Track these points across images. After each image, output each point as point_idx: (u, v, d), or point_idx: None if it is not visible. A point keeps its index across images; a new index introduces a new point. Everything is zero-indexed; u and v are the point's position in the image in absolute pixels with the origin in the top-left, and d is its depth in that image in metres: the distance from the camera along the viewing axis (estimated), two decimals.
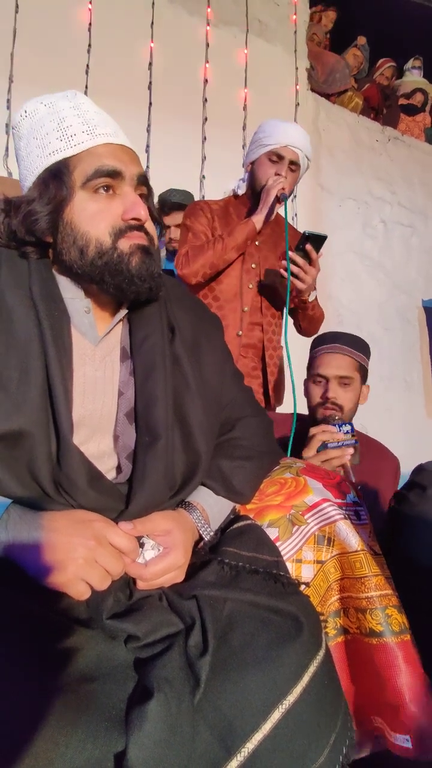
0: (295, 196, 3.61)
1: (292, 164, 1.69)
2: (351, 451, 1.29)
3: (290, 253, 1.57)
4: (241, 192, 1.85)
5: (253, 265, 1.76)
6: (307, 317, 1.80)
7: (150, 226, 0.80)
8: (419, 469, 1.21)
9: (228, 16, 3.55)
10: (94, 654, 0.61)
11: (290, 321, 1.96)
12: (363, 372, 1.55)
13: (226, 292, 1.73)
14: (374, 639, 0.81)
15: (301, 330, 1.88)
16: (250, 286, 1.75)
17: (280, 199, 1.66)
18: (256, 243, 1.77)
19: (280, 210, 1.77)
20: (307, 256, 1.59)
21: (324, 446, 1.29)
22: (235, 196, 1.87)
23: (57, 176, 0.75)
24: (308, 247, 1.57)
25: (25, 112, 0.80)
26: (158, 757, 0.53)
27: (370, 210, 4.11)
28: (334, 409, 1.46)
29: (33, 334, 0.72)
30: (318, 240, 1.59)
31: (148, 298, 0.80)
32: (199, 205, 1.78)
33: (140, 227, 0.77)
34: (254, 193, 1.77)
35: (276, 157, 1.68)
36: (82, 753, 0.51)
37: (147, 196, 0.82)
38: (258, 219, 1.67)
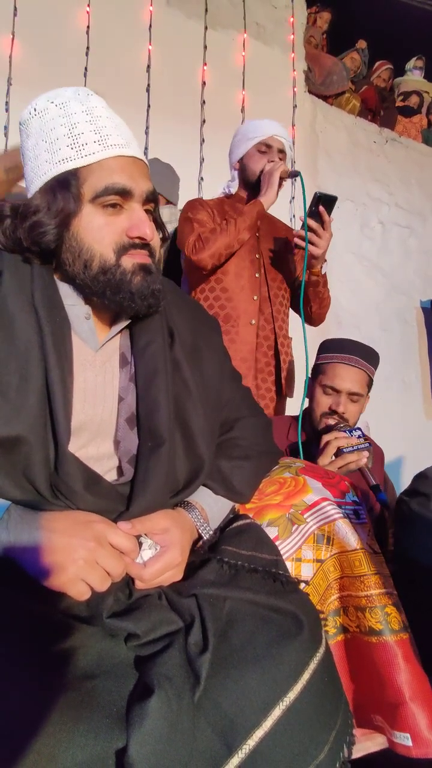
0: (293, 197, 3.61)
1: (280, 152, 1.77)
2: (366, 454, 1.30)
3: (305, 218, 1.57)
4: (233, 191, 1.89)
5: (257, 256, 1.79)
6: (318, 297, 1.80)
7: (155, 242, 0.80)
8: (421, 476, 1.22)
9: (225, 18, 3.56)
10: (95, 651, 0.61)
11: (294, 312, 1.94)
12: (370, 386, 1.55)
13: (234, 283, 1.76)
14: (374, 637, 0.82)
15: (311, 315, 1.88)
16: (257, 275, 1.78)
17: (293, 176, 1.70)
18: (257, 234, 1.80)
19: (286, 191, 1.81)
20: (319, 218, 1.60)
21: (340, 452, 1.30)
22: (227, 196, 1.90)
23: (66, 187, 0.74)
24: (321, 208, 1.59)
25: (35, 110, 0.78)
26: (159, 754, 0.53)
27: (367, 211, 4.12)
28: (339, 421, 1.46)
29: (33, 340, 0.72)
30: (329, 202, 1.59)
31: (146, 314, 0.81)
32: (198, 201, 1.83)
33: (144, 245, 0.78)
34: (248, 186, 1.82)
35: (265, 147, 1.76)
36: (83, 749, 0.51)
37: (153, 211, 0.82)
38: (266, 199, 1.71)
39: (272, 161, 1.74)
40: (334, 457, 1.32)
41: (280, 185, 1.73)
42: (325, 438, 1.34)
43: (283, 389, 1.82)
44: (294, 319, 1.97)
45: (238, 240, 1.68)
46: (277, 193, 1.75)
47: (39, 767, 0.50)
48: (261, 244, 1.82)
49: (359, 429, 1.38)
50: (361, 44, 4.67)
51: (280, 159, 1.77)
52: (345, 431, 1.36)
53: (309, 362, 1.49)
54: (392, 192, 4.26)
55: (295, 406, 1.87)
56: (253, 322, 1.75)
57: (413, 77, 5.04)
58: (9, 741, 0.50)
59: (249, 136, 1.79)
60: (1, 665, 0.55)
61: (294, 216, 3.53)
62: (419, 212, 4.39)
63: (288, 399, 1.93)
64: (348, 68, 4.22)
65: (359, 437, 1.34)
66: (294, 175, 1.69)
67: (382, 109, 4.66)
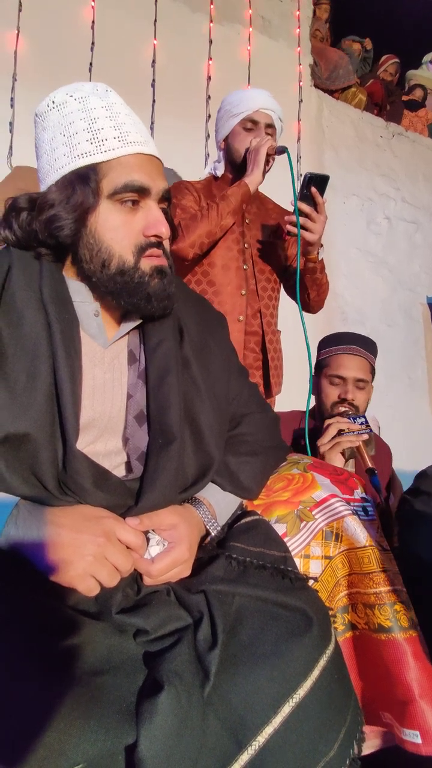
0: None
1: (268, 127, 1.62)
2: (365, 437, 1.33)
3: (296, 202, 1.46)
4: (219, 173, 1.74)
5: (245, 245, 1.67)
6: (315, 283, 1.67)
7: (167, 242, 0.80)
8: (423, 475, 1.23)
9: (231, 12, 3.54)
10: (104, 647, 0.61)
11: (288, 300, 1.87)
12: (373, 374, 1.58)
13: (221, 276, 1.63)
14: (383, 634, 0.81)
15: (309, 303, 1.75)
16: (245, 267, 1.65)
17: (280, 152, 1.54)
18: (246, 221, 1.68)
19: (274, 170, 1.65)
20: (311, 201, 1.48)
21: (340, 434, 1.35)
22: (215, 178, 1.75)
23: (85, 181, 0.74)
24: (313, 190, 1.47)
25: (53, 102, 0.78)
26: (169, 750, 0.53)
27: (374, 206, 4.10)
28: (348, 409, 1.49)
29: (42, 336, 0.72)
30: (321, 182, 1.47)
31: (161, 316, 0.81)
32: (183, 184, 1.69)
33: (159, 244, 0.78)
34: (235, 168, 1.68)
35: (251, 123, 1.61)
36: (94, 745, 0.51)
37: (167, 210, 0.82)
38: (251, 180, 1.56)
39: (258, 137, 1.58)
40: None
41: (268, 163, 1.58)
42: (328, 421, 1.40)
43: (271, 386, 1.72)
44: (294, 317, 1.92)
45: (221, 226, 1.53)
46: (265, 173, 1.58)
47: (49, 762, 0.50)
48: (249, 232, 1.68)
49: (363, 417, 1.40)
50: (367, 44, 4.61)
51: (269, 134, 1.61)
52: (349, 418, 1.39)
53: (312, 358, 1.44)
54: (399, 187, 4.23)
55: (283, 403, 1.84)
56: (241, 318, 1.64)
57: (428, 72, 4.97)
58: (19, 736, 0.51)
59: (233, 112, 1.62)
60: (11, 661, 0.55)
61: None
62: (426, 207, 4.36)
63: (277, 396, 1.84)
64: (353, 51, 4.17)
65: (361, 424, 1.37)
66: (281, 151, 1.52)
67: (388, 103, 4.63)
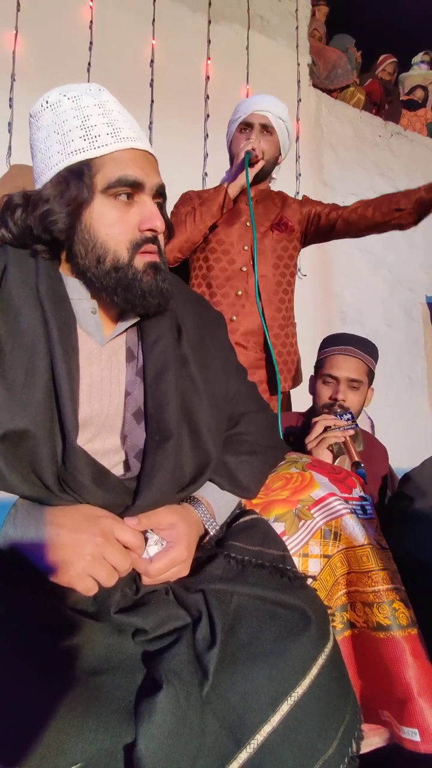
0: (297, 192, 3.59)
1: (265, 128, 1.66)
2: (351, 432, 1.35)
3: None
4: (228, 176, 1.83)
5: (245, 247, 1.70)
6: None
7: (161, 237, 0.81)
8: (406, 479, 1.23)
9: (229, 12, 3.54)
10: (103, 647, 0.61)
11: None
12: (371, 376, 1.58)
13: (218, 277, 1.68)
14: (381, 633, 0.81)
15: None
16: (243, 268, 1.69)
17: (250, 162, 1.60)
18: (247, 224, 1.71)
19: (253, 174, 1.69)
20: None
21: (325, 431, 1.37)
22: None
23: (78, 177, 0.74)
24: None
25: (47, 102, 0.78)
26: (168, 749, 0.53)
27: None
28: (337, 408, 1.50)
29: (39, 334, 0.72)
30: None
31: (156, 313, 0.81)
32: (188, 194, 1.77)
33: (154, 239, 0.78)
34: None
35: (246, 126, 1.68)
36: (93, 744, 0.51)
37: (162, 205, 0.82)
38: (232, 183, 1.64)
39: (248, 140, 1.63)
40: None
41: (252, 166, 1.63)
42: (315, 419, 1.41)
43: (280, 384, 1.72)
44: (296, 315, 1.93)
45: (199, 230, 1.63)
46: (251, 175, 1.63)
47: (48, 761, 0.50)
48: (249, 234, 1.70)
49: (350, 413, 1.42)
50: (358, 57, 4.61)
51: (269, 133, 1.66)
52: (336, 415, 1.41)
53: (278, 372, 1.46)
54: (397, 186, 4.22)
55: (300, 403, 1.86)
56: (234, 318, 1.67)
57: (420, 71, 4.98)
58: (19, 735, 0.51)
59: (233, 117, 1.71)
60: (10, 661, 0.55)
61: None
62: None
63: (292, 395, 1.87)
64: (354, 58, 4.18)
65: (347, 420, 1.39)
66: (250, 162, 1.59)
67: (386, 102, 4.63)
